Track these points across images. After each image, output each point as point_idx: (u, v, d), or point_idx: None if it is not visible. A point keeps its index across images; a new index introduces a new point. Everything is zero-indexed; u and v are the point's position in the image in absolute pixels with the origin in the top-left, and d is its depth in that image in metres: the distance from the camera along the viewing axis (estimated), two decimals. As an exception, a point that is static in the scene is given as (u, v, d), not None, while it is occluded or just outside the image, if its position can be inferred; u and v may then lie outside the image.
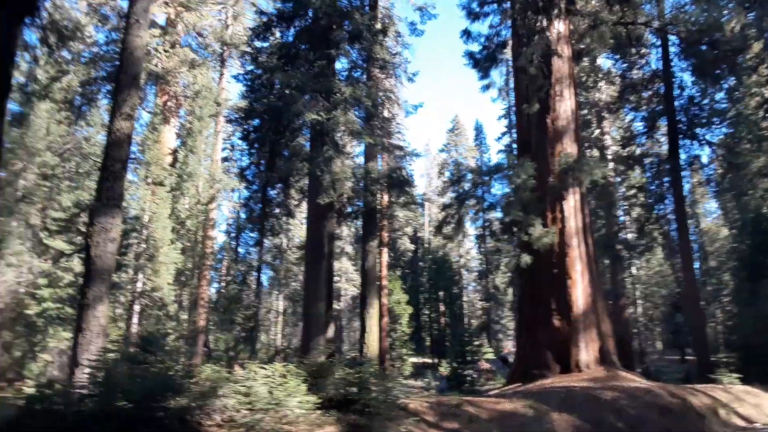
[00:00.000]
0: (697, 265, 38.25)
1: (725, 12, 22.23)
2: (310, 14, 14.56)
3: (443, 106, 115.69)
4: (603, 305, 14.73)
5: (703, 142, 23.05)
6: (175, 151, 24.36)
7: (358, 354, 19.13)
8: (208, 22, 27.52)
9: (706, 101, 22.72)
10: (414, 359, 32.17)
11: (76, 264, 17.60)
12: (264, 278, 37.52)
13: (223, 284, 30.57)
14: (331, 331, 16.74)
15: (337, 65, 15.15)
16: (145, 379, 5.82)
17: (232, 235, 35.60)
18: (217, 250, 32.01)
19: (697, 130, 22.64)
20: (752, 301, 21.52)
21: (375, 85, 15.86)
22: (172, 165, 22.97)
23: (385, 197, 21.95)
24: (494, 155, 50.47)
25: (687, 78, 22.17)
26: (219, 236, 47.55)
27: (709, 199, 48.68)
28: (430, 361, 36.60)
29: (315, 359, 9.98)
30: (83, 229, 15.00)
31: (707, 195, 46.83)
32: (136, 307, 19.91)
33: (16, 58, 5.95)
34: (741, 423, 11.74)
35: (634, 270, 38.12)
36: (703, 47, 18.98)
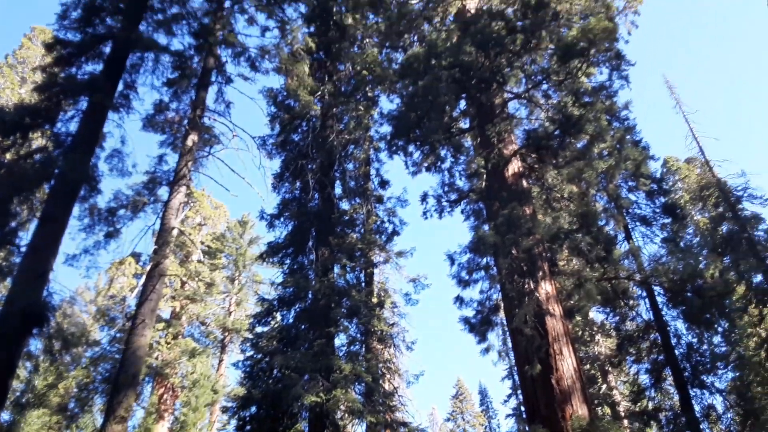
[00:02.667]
0: None
1: (701, 259, 23.70)
2: (310, 296, 15.17)
3: (445, 371, 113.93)
4: None
5: (713, 390, 22.25)
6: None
7: None
8: (212, 311, 28.55)
9: (705, 347, 22.62)
10: None
11: None
12: None
13: None
14: None
15: (336, 341, 15.27)
16: None
17: None
18: None
19: (704, 377, 22.02)
20: None
21: (374, 357, 15.74)
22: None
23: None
24: (503, 420, 48.03)
25: (681, 326, 22.42)
26: None
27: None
28: None
29: None
30: None
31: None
32: None
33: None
34: None
35: None
36: (689, 295, 19.65)
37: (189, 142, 16.01)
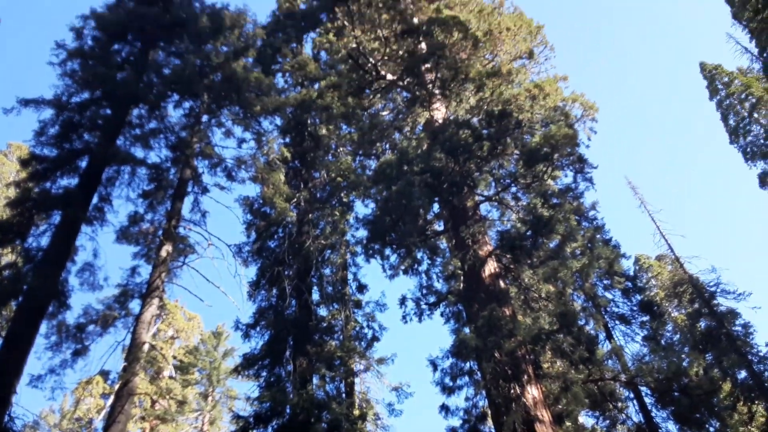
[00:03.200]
0: None
1: (684, 357, 23.43)
2: (288, 411, 14.43)
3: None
4: None
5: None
6: None
7: None
8: (185, 431, 26.97)
9: (698, 450, 21.79)
10: None
11: None
12: None
13: None
14: None
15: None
16: None
17: None
18: None
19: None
20: None
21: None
22: None
23: None
24: None
25: (672, 427, 21.72)
26: None
27: None
28: None
29: None
30: None
31: None
32: None
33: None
34: None
35: None
36: (676, 394, 19.27)
37: (163, 253, 15.86)
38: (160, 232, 16.53)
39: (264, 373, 16.10)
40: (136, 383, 13.73)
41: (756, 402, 27.60)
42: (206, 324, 34.89)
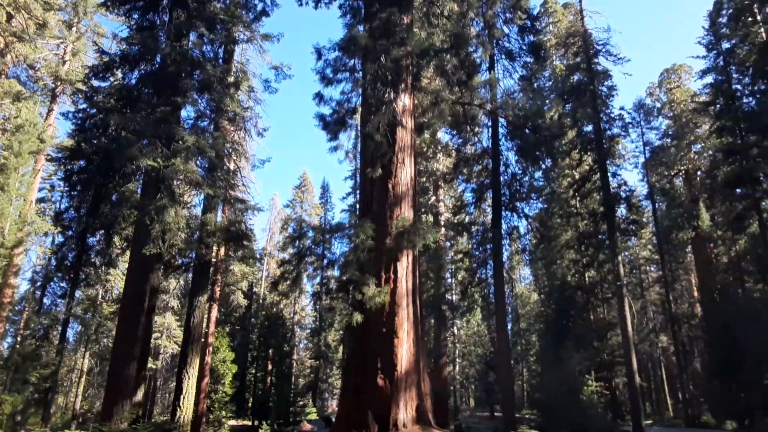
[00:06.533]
0: (509, 326, 41.69)
1: (547, 101, 25.38)
2: (158, 59, 13.87)
3: (292, 164, 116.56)
4: (424, 364, 15.32)
5: (522, 215, 25.59)
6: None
7: (169, 419, 17.62)
8: (43, 55, 25.10)
9: (526, 179, 25.41)
10: (234, 422, 30.49)
11: None
12: (71, 333, 33.66)
13: (19, 338, 26.83)
14: (141, 394, 15.15)
15: (183, 113, 14.49)
16: None
17: (38, 284, 31.48)
18: (18, 300, 28.13)
19: (518, 204, 25.16)
20: (555, 362, 23.79)
21: (222, 137, 15.35)
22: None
23: (222, 250, 21.03)
24: (338, 214, 51.55)
25: (512, 157, 24.69)
26: (23, 285, 42.07)
27: (524, 266, 54.23)
28: (250, 423, 35.23)
29: (117, 426, 8.83)
30: None
31: (522, 262, 52.08)
32: None
33: None
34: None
35: (455, 330, 40.53)
36: (527, 131, 21.43)
37: None
38: None
39: (136, 16, 14.91)
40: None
41: (588, 153, 31.72)
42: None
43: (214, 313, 23.49)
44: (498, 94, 22.40)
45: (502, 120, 22.79)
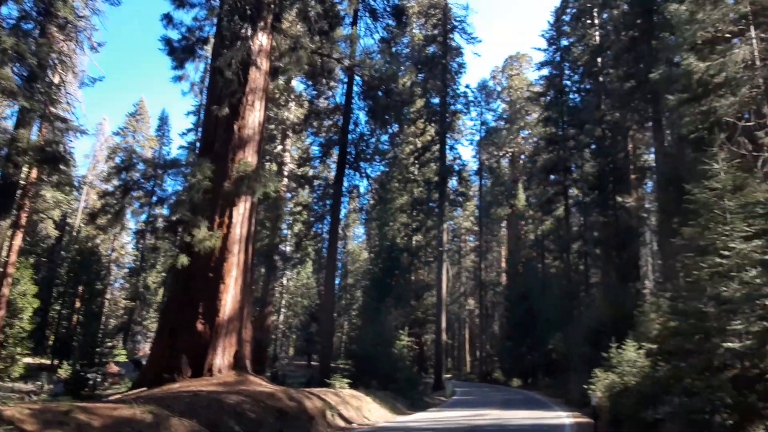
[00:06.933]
0: (337, 281, 43.04)
1: (402, 68, 25.88)
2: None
3: (129, 89, 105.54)
4: (249, 312, 15.31)
5: (364, 174, 26.18)
6: None
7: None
8: None
9: (373, 140, 25.96)
10: (30, 360, 28.02)
11: None
12: None
13: None
14: None
15: (4, 10, 12.30)
16: None
17: None
18: None
19: (362, 164, 25.66)
20: (375, 316, 25.14)
21: (48, 44, 13.37)
22: None
23: (34, 172, 18.72)
24: (175, 150, 48.29)
25: (362, 117, 24.98)
26: None
27: (359, 225, 55.94)
28: (48, 362, 32.68)
29: None
30: None
31: (358, 221, 53.70)
32: None
33: None
34: (342, 424, 13.51)
35: (285, 280, 40.83)
36: (380, 93, 21.76)
37: None
38: None
39: None
40: None
41: (432, 124, 33.30)
42: None
43: (18, 242, 21.11)
44: (357, 52, 22.37)
45: (358, 78, 22.86)
